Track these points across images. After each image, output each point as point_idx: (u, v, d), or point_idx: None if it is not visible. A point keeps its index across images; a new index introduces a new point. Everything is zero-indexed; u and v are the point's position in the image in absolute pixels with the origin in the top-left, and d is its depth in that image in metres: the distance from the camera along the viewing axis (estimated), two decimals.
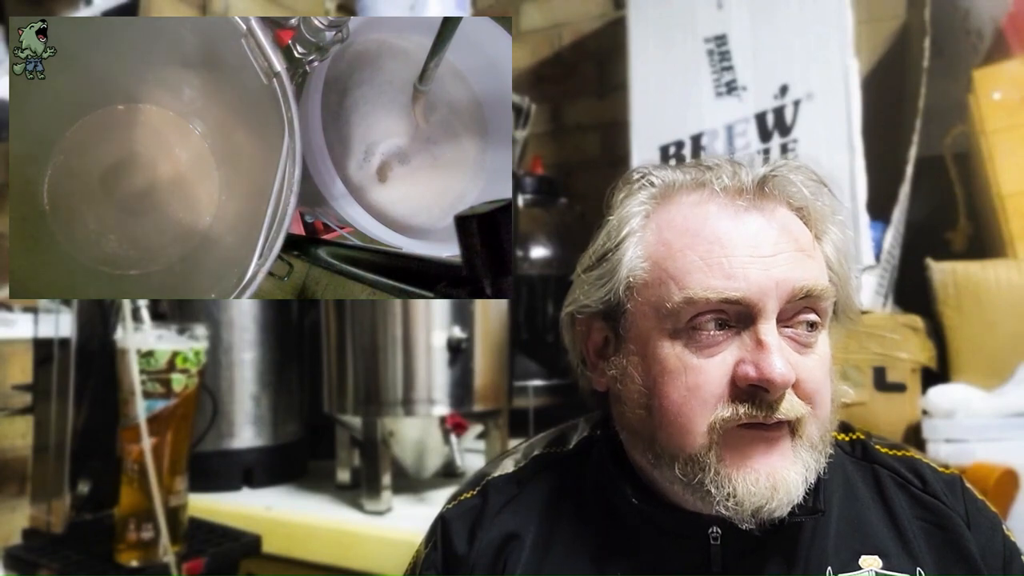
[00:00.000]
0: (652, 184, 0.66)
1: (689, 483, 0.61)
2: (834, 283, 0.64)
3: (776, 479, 0.59)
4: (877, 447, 0.71)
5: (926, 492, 0.68)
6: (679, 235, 0.62)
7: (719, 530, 0.63)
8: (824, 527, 0.65)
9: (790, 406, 0.59)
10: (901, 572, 0.63)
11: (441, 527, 0.72)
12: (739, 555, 0.63)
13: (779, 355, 0.58)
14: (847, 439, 0.72)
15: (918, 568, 0.63)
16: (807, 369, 0.61)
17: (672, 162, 1.50)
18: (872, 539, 0.65)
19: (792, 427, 0.60)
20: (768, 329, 0.59)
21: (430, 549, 0.72)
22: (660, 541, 0.65)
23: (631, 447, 0.67)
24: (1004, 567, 0.66)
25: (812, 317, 0.61)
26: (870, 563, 0.63)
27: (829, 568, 0.63)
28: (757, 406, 0.59)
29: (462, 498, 0.74)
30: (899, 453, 0.71)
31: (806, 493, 0.62)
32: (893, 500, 0.67)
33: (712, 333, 0.60)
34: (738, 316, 0.60)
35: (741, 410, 0.59)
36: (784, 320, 0.61)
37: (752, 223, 0.61)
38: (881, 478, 0.69)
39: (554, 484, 0.71)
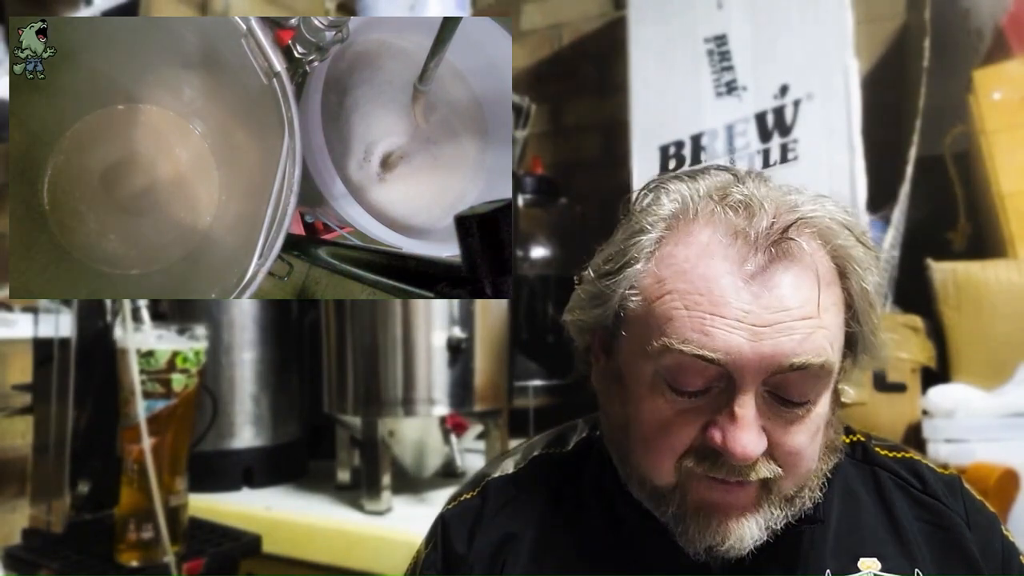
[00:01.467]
0: (665, 203, 0.61)
1: (655, 509, 0.62)
2: (855, 333, 0.61)
3: (728, 530, 0.59)
4: (877, 449, 0.71)
5: (926, 493, 0.68)
6: (674, 275, 0.58)
7: None
8: (823, 531, 0.65)
9: (756, 471, 0.58)
10: (899, 574, 0.63)
11: (441, 527, 0.72)
12: (738, 559, 0.63)
13: (748, 431, 0.56)
14: (847, 441, 0.71)
15: (917, 570, 0.63)
16: (788, 435, 0.58)
17: (673, 163, 1.50)
18: (871, 542, 0.65)
19: (764, 482, 0.59)
20: (743, 401, 0.56)
21: (430, 549, 0.72)
22: (659, 542, 0.65)
23: (611, 454, 0.67)
24: (1003, 566, 0.66)
25: (804, 390, 0.57)
26: (869, 566, 0.63)
27: (828, 571, 0.63)
28: (720, 467, 0.57)
29: (462, 499, 0.74)
30: (899, 455, 0.71)
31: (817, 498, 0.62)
32: (893, 502, 0.67)
33: (688, 389, 0.57)
34: (718, 376, 0.57)
35: (702, 467, 0.58)
36: (772, 385, 0.57)
37: (756, 284, 0.55)
38: (881, 480, 0.69)
39: (553, 485, 0.72)
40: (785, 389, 0.57)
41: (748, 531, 0.59)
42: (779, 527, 0.60)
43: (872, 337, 0.61)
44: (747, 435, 0.56)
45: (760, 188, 0.60)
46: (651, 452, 0.60)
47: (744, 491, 0.59)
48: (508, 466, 0.75)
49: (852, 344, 0.61)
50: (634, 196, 0.65)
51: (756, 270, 0.56)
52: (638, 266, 0.60)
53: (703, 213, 0.59)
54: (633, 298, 0.60)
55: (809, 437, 0.59)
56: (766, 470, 0.58)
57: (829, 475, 0.64)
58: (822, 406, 0.60)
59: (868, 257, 0.60)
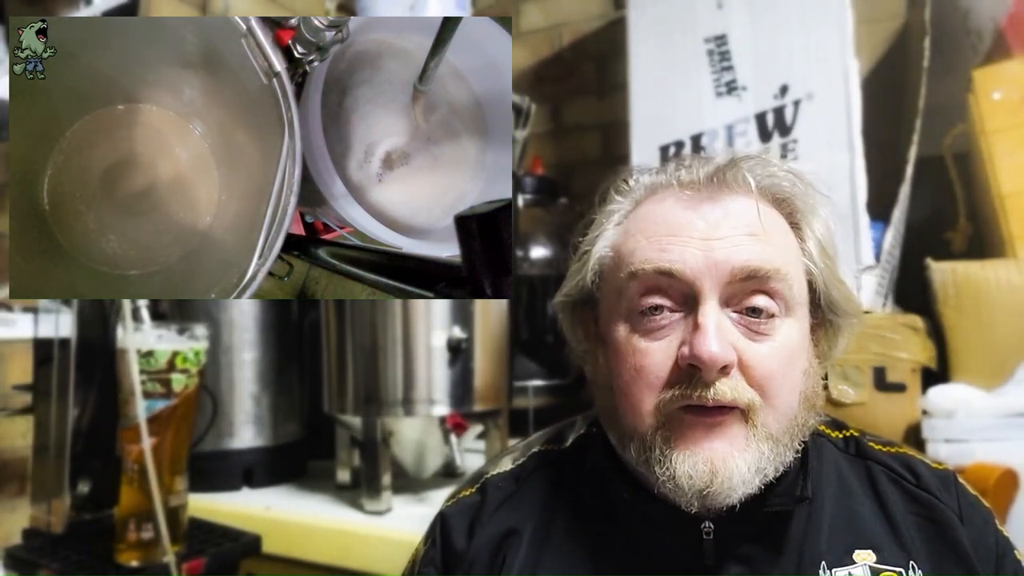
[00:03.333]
0: (632, 186, 0.70)
1: (641, 463, 0.62)
2: (813, 273, 0.65)
3: (716, 463, 0.59)
4: (870, 444, 0.72)
5: (919, 487, 0.68)
6: (637, 223, 0.66)
7: (711, 525, 0.64)
8: (817, 522, 0.65)
9: (730, 389, 0.59)
10: (894, 566, 0.63)
11: (440, 524, 0.73)
12: (732, 549, 0.64)
13: (714, 336, 0.59)
14: (840, 436, 0.73)
15: (911, 562, 0.64)
16: (758, 356, 0.61)
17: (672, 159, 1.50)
18: (866, 533, 0.65)
19: (744, 414, 0.60)
20: (705, 311, 0.60)
21: (429, 546, 0.73)
22: (654, 535, 0.65)
23: (607, 431, 0.68)
24: (997, 561, 0.67)
25: (762, 300, 0.62)
26: (864, 557, 0.64)
27: (823, 562, 0.64)
28: (694, 386, 0.59)
29: (461, 495, 0.74)
30: (892, 450, 0.72)
31: (800, 481, 0.63)
32: (886, 495, 0.68)
33: (657, 316, 0.62)
34: (683, 299, 0.62)
35: (678, 391, 0.60)
36: (734, 305, 0.62)
37: (703, 210, 0.63)
38: (874, 474, 0.69)
39: (551, 481, 0.72)
40: (744, 301, 0.62)
41: (736, 470, 0.59)
42: (770, 475, 0.61)
43: (835, 285, 0.66)
44: (711, 340, 0.59)
45: (709, 157, 0.68)
46: (631, 396, 0.62)
47: (726, 424, 0.60)
48: (507, 463, 0.75)
49: (816, 294, 0.65)
50: (605, 189, 0.72)
51: (703, 199, 0.64)
52: (609, 231, 0.68)
53: (662, 181, 0.68)
54: (607, 255, 0.67)
55: (781, 364, 0.62)
56: (742, 392, 0.60)
57: (810, 443, 0.66)
58: (790, 333, 0.62)
59: (818, 203, 0.66)
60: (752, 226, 0.62)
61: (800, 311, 0.64)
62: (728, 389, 0.59)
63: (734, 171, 0.64)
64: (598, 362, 0.68)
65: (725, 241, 0.61)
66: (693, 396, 0.59)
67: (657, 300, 0.62)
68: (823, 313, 0.67)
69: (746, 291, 0.61)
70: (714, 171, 0.65)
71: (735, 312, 0.62)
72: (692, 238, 0.62)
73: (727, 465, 0.59)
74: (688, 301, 0.61)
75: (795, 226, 0.66)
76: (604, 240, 0.68)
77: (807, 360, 0.65)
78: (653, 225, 0.64)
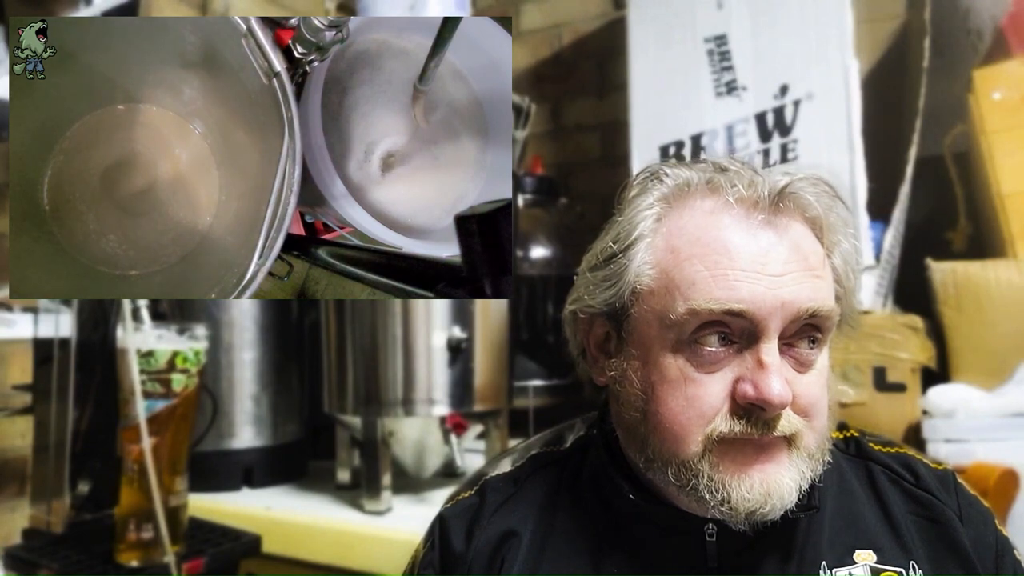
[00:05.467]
0: (664, 183, 0.64)
1: (683, 487, 0.61)
2: (839, 296, 0.64)
3: (770, 485, 0.59)
4: (871, 444, 0.72)
5: (919, 487, 0.68)
6: (688, 244, 0.61)
7: (715, 527, 0.64)
8: (819, 523, 0.65)
9: (786, 423, 0.60)
10: (895, 566, 0.63)
11: (439, 526, 0.73)
12: (734, 551, 0.64)
13: (778, 376, 0.58)
14: (841, 436, 0.72)
15: (911, 561, 0.64)
16: (805, 385, 0.61)
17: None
18: (866, 534, 0.65)
19: (788, 439, 0.60)
20: (769, 349, 0.59)
21: (428, 548, 0.73)
22: (656, 538, 0.65)
23: (626, 445, 0.67)
24: (996, 560, 0.67)
25: (815, 335, 0.61)
26: (864, 557, 0.64)
27: (824, 563, 0.64)
28: (754, 424, 0.59)
29: (460, 497, 0.74)
30: (892, 450, 0.72)
31: (804, 490, 0.62)
32: (886, 495, 0.68)
33: (714, 349, 0.60)
34: (741, 332, 0.60)
35: (738, 427, 0.59)
36: (786, 337, 0.60)
37: (764, 239, 0.60)
38: (875, 474, 0.69)
39: (551, 482, 0.72)
40: (799, 339, 0.61)
41: (786, 488, 0.60)
42: (806, 486, 0.61)
43: (851, 301, 0.65)
44: (779, 380, 0.58)
45: (749, 167, 0.64)
46: (676, 425, 0.61)
47: (775, 448, 0.60)
48: (506, 465, 0.75)
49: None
50: (626, 186, 0.68)
51: (763, 225, 0.60)
52: (647, 240, 0.63)
53: (702, 187, 0.63)
54: (648, 271, 0.62)
55: (821, 389, 0.62)
56: (793, 422, 0.60)
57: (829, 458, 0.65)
58: (824, 360, 0.63)
59: (846, 222, 0.64)
60: (811, 260, 0.61)
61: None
62: (785, 424, 0.60)
63: (794, 196, 0.61)
64: (622, 377, 0.65)
65: (789, 278, 0.59)
66: (755, 434, 0.59)
67: (717, 337, 0.60)
68: (841, 314, 0.66)
69: (801, 327, 0.60)
70: (771, 195, 0.61)
71: (785, 344, 0.61)
72: (760, 274, 0.59)
73: (779, 485, 0.60)
74: (747, 335, 0.60)
75: (826, 243, 0.64)
76: (642, 253, 0.62)
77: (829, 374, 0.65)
78: (712, 252, 0.60)
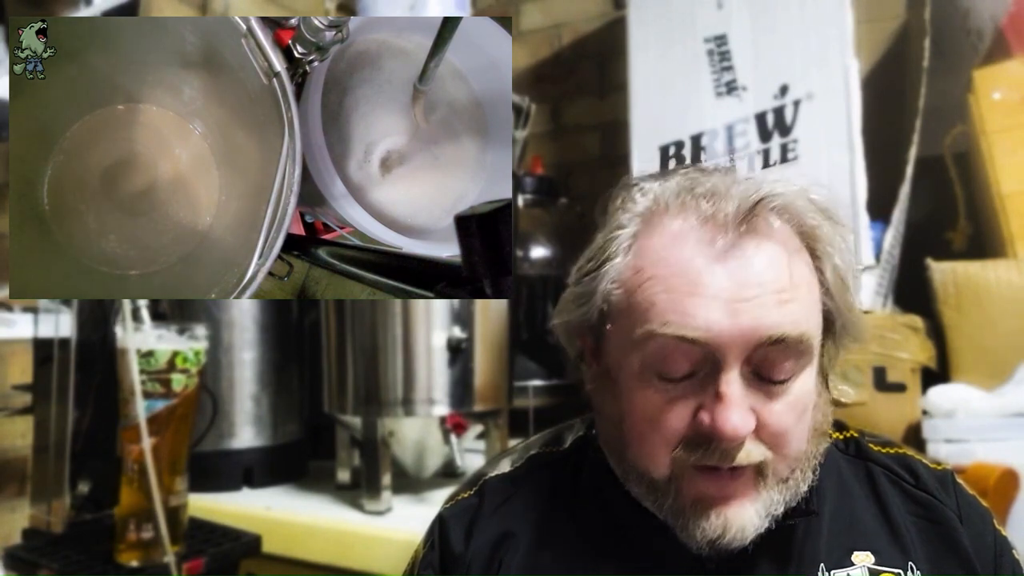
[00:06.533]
0: (638, 201, 0.63)
1: (653, 504, 0.62)
2: (832, 310, 0.61)
3: (729, 517, 0.59)
4: (870, 445, 0.72)
5: (919, 488, 0.68)
6: (652, 264, 0.59)
7: None
8: (817, 525, 0.65)
9: (747, 454, 0.58)
10: (894, 568, 0.63)
11: (438, 527, 0.73)
12: (733, 554, 0.63)
13: (736, 409, 0.56)
14: (841, 437, 0.72)
15: (910, 563, 0.64)
16: (775, 414, 0.58)
17: (673, 163, 1.50)
18: (865, 536, 0.65)
19: (757, 467, 0.59)
20: (728, 379, 0.57)
21: (427, 549, 0.73)
22: (654, 539, 0.65)
23: (608, 455, 0.67)
24: (995, 560, 0.67)
25: (786, 366, 0.58)
26: (863, 559, 0.64)
27: (822, 564, 0.64)
28: (712, 453, 0.58)
29: (459, 498, 0.74)
30: (892, 450, 0.72)
31: (803, 495, 0.62)
32: (886, 496, 0.68)
33: (675, 375, 0.58)
34: (703, 360, 0.57)
35: (694, 456, 0.58)
36: (755, 364, 0.58)
37: (728, 262, 0.57)
38: (874, 475, 0.69)
39: (550, 483, 0.72)
40: (767, 366, 0.58)
41: (749, 520, 0.59)
42: (779, 512, 0.60)
43: (848, 314, 0.62)
44: (735, 413, 0.56)
45: (726, 179, 0.61)
46: (645, 445, 0.60)
47: (739, 479, 0.59)
48: (505, 465, 0.75)
49: (830, 323, 0.62)
50: (609, 196, 0.66)
51: (728, 248, 0.57)
52: (617, 260, 0.61)
53: (674, 204, 0.61)
54: (615, 291, 0.61)
55: (796, 417, 0.60)
56: (757, 453, 0.58)
57: (821, 461, 0.64)
58: (805, 383, 0.60)
59: (837, 233, 0.61)
60: (780, 282, 0.57)
61: (815, 357, 0.61)
62: (744, 455, 0.58)
63: (762, 215, 0.58)
64: (602, 390, 0.65)
65: (752, 303, 0.56)
66: (713, 462, 0.58)
67: (675, 364, 0.58)
68: (833, 337, 0.64)
69: (769, 355, 0.57)
70: (739, 214, 0.58)
71: (754, 373, 0.58)
72: (717, 298, 0.56)
73: (740, 518, 0.59)
74: (709, 362, 0.58)
75: (815, 256, 0.61)
76: (612, 271, 0.61)
77: (816, 393, 0.62)
78: (671, 275, 0.58)
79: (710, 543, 0.59)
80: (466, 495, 0.74)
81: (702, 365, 0.58)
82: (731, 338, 0.56)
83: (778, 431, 0.59)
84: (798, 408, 0.60)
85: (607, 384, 0.64)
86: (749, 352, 0.57)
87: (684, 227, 0.59)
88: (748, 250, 0.58)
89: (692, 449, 0.58)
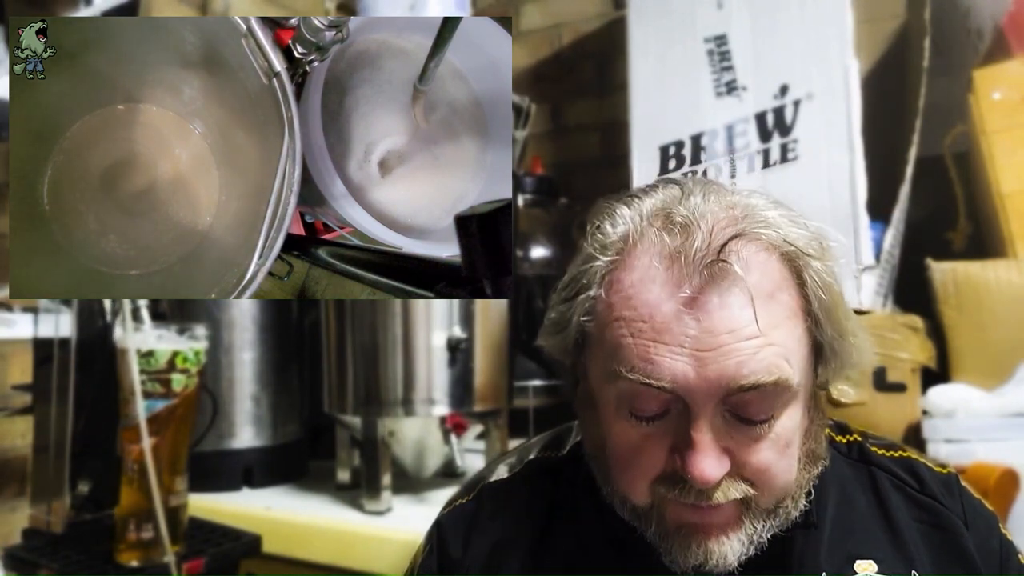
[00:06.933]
0: (612, 229, 0.60)
1: (638, 526, 0.62)
2: (823, 343, 0.59)
3: (711, 545, 0.58)
4: (873, 448, 0.71)
5: (923, 493, 0.67)
6: (620, 302, 0.57)
7: None
8: (817, 534, 0.65)
9: (724, 493, 0.57)
10: (895, 575, 0.63)
11: (436, 532, 0.73)
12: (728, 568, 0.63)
13: (705, 456, 0.55)
14: (843, 441, 0.71)
15: (913, 571, 0.63)
16: (752, 452, 0.57)
17: (673, 163, 1.50)
18: (867, 543, 0.64)
19: (741, 500, 0.58)
20: (699, 426, 0.55)
21: (426, 554, 0.72)
22: (653, 548, 0.64)
23: (596, 472, 0.66)
24: (1001, 565, 0.66)
25: (765, 406, 0.56)
26: (865, 568, 0.63)
27: (823, 574, 0.63)
28: (688, 492, 0.57)
29: (457, 503, 0.74)
30: (896, 454, 0.71)
31: (803, 509, 0.62)
32: (889, 502, 0.67)
33: (646, 414, 0.57)
34: (675, 398, 0.56)
35: (672, 493, 0.58)
36: (731, 404, 0.56)
37: (696, 309, 0.54)
38: (878, 479, 0.68)
39: (548, 489, 0.72)
40: (744, 408, 0.56)
41: (730, 549, 0.58)
42: (766, 538, 0.60)
43: (839, 342, 0.60)
44: (704, 460, 0.55)
45: (705, 202, 0.58)
46: (625, 474, 0.60)
47: (721, 511, 0.58)
48: (503, 471, 0.75)
49: (821, 352, 0.60)
50: (588, 215, 0.64)
51: (695, 293, 0.54)
52: (591, 292, 0.59)
53: (644, 238, 0.58)
54: (588, 324, 0.60)
55: (777, 452, 0.58)
56: (736, 491, 0.57)
57: (817, 480, 0.63)
58: (788, 419, 0.58)
59: (823, 262, 0.58)
60: (750, 326, 0.54)
61: (801, 391, 0.59)
62: (720, 494, 0.57)
63: (737, 250, 0.55)
64: (587, 408, 0.64)
65: (719, 352, 0.54)
66: (690, 501, 0.57)
67: (646, 404, 0.57)
68: (825, 365, 0.62)
69: (745, 398, 0.55)
70: (711, 253, 0.55)
71: (728, 411, 0.56)
72: (682, 347, 0.54)
73: (722, 546, 0.58)
74: (681, 400, 0.56)
75: (801, 282, 0.58)
76: (586, 303, 0.60)
77: (807, 418, 0.61)
78: (638, 319, 0.56)
79: (695, 568, 0.59)
80: (464, 501, 0.73)
81: (675, 404, 0.57)
82: (698, 388, 0.54)
83: (759, 468, 0.58)
84: (780, 444, 0.58)
85: (590, 407, 0.63)
86: (720, 398, 0.56)
87: (651, 265, 0.57)
88: (716, 295, 0.54)
89: (670, 486, 0.58)
